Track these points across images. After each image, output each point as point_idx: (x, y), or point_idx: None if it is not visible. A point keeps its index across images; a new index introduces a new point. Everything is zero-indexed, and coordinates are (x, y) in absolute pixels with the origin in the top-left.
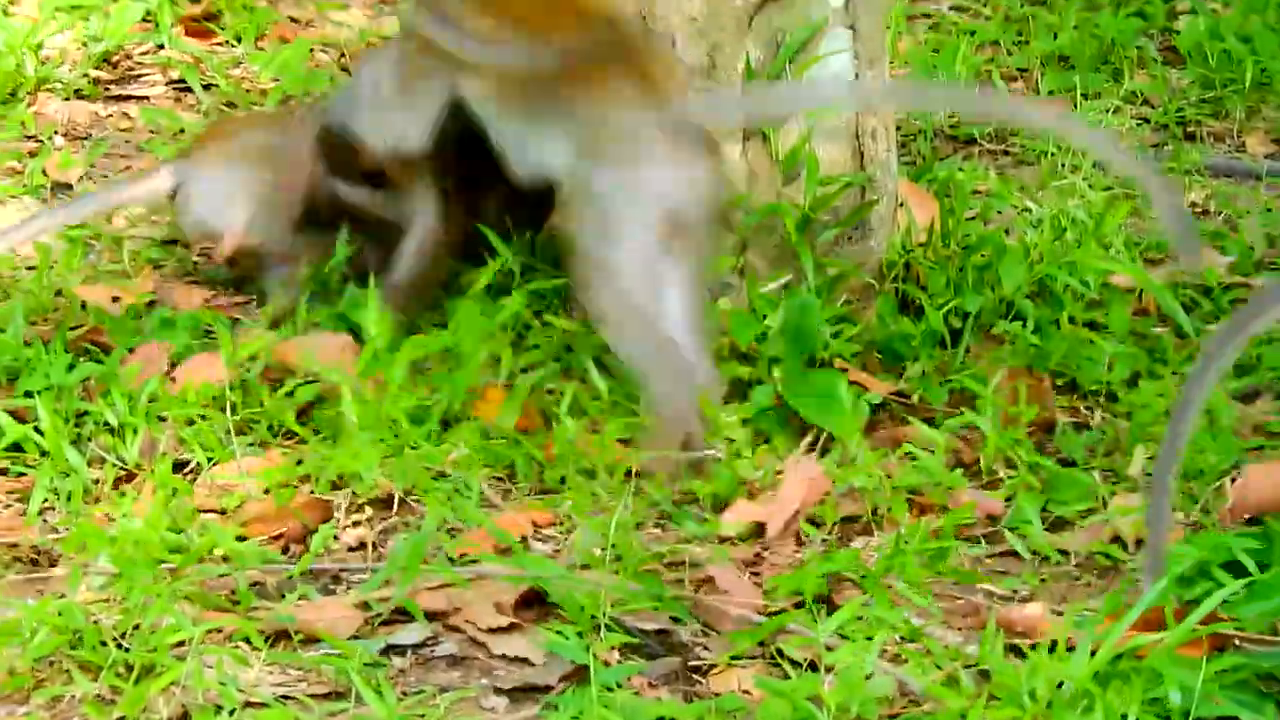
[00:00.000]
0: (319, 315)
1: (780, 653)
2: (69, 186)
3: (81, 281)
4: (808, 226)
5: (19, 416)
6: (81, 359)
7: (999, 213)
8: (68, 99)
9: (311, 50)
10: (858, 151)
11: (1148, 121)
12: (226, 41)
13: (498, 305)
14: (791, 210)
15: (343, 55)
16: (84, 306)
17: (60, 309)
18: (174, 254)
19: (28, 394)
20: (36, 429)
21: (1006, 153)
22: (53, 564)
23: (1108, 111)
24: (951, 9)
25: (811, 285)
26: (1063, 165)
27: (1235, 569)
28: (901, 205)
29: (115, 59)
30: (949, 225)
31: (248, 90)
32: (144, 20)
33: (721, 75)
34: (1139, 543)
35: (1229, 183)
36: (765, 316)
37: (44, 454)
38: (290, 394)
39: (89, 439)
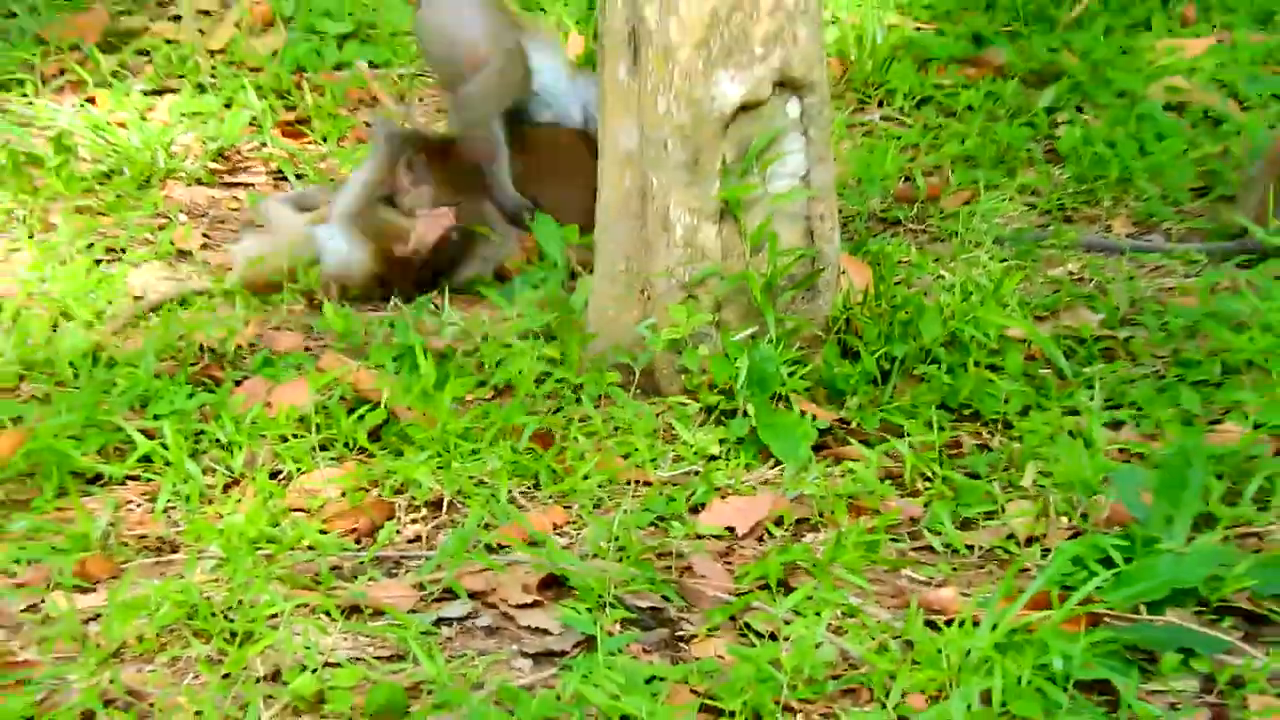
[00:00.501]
0: (381, 354)
1: (748, 626)
2: (189, 253)
3: (200, 328)
4: (770, 290)
5: (149, 434)
6: (198, 389)
7: (919, 279)
8: (190, 185)
9: None
10: (808, 231)
11: (1034, 208)
12: (315, 141)
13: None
14: (757, 277)
15: None
16: (201, 348)
17: (182, 349)
18: (275, 305)
19: (155, 416)
20: (163, 444)
21: (925, 231)
22: (174, 551)
23: (1004, 200)
24: (882, 119)
25: (773, 336)
26: (969, 242)
27: (1107, 563)
28: (843, 273)
29: (228, 154)
30: (880, 289)
31: (332, 179)
32: (250, 124)
33: (702, 171)
34: (1029, 540)
35: (1099, 256)
36: (735, 359)
37: (168, 464)
38: (361, 418)
39: (204, 453)
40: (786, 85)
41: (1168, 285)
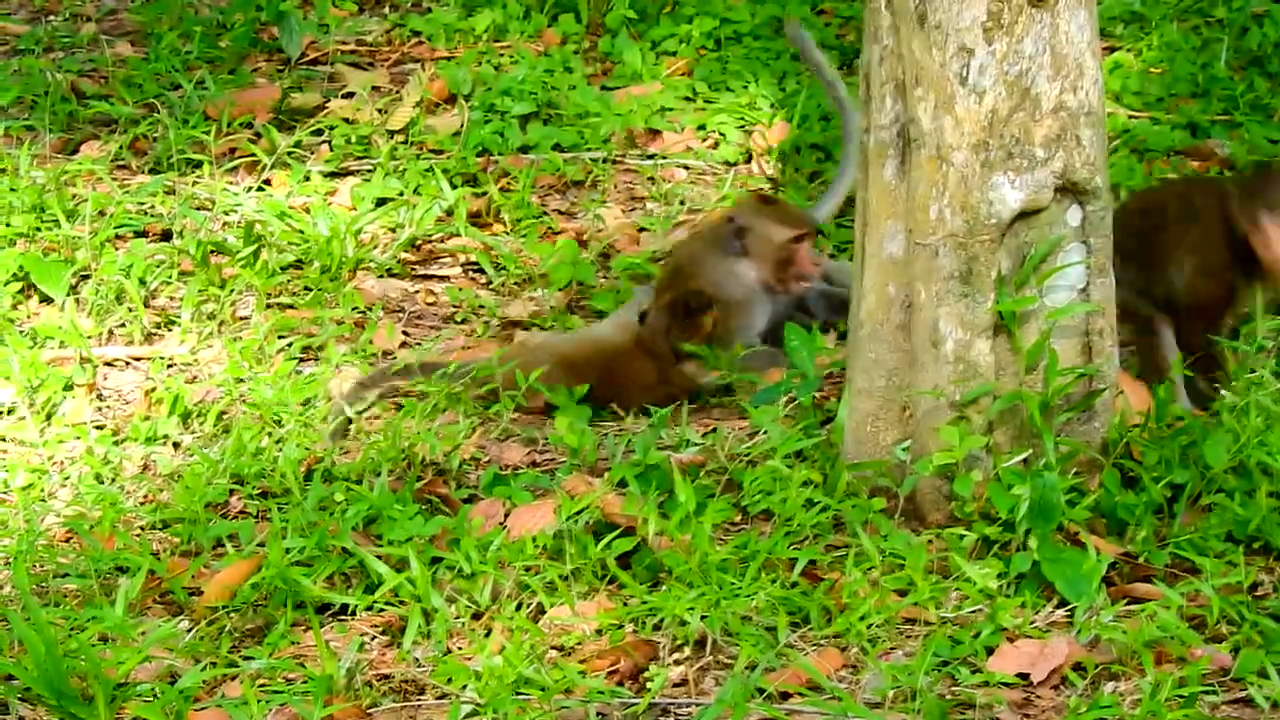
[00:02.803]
0: (626, 470)
1: None
2: (391, 353)
3: (422, 439)
4: (1046, 411)
5: (386, 562)
6: (425, 508)
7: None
8: (381, 277)
9: (581, 242)
10: (1086, 347)
11: None
12: (507, 232)
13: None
14: (1034, 397)
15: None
16: (423, 461)
17: (407, 461)
18: (492, 413)
19: (389, 541)
20: (409, 579)
21: None
22: (420, 693)
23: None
24: None
25: (1052, 462)
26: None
27: None
28: (1120, 393)
29: (419, 243)
30: (1161, 411)
31: (530, 276)
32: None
33: (977, 281)
34: None
35: None
36: (1014, 487)
37: (416, 599)
38: (609, 544)
39: (443, 581)
40: (1068, 191)
41: None
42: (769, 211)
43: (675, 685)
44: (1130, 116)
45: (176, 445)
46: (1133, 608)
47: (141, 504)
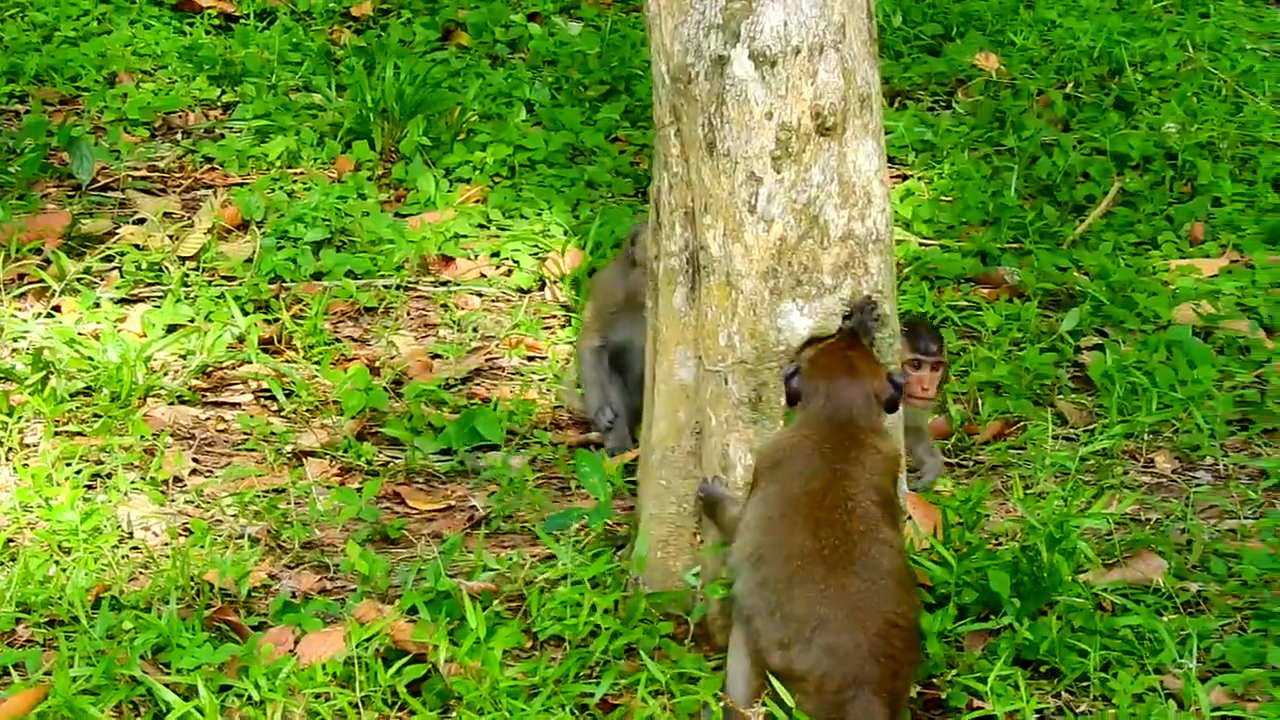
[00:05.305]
0: (417, 597)
1: None
2: (181, 479)
3: (209, 566)
4: None
5: (175, 690)
6: (215, 636)
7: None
8: (172, 404)
9: (374, 369)
10: None
11: (1073, 440)
12: (299, 359)
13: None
14: None
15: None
16: (212, 588)
17: (196, 589)
18: (283, 541)
19: (178, 670)
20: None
21: (962, 465)
22: None
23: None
24: None
25: None
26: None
27: None
28: (909, 517)
29: (209, 370)
30: (948, 533)
31: (323, 402)
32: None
33: (766, 408)
34: None
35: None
36: None
37: None
38: (399, 671)
39: (232, 708)
40: None
41: (1228, 527)
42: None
43: None
44: (921, 244)
45: None
46: None
47: None
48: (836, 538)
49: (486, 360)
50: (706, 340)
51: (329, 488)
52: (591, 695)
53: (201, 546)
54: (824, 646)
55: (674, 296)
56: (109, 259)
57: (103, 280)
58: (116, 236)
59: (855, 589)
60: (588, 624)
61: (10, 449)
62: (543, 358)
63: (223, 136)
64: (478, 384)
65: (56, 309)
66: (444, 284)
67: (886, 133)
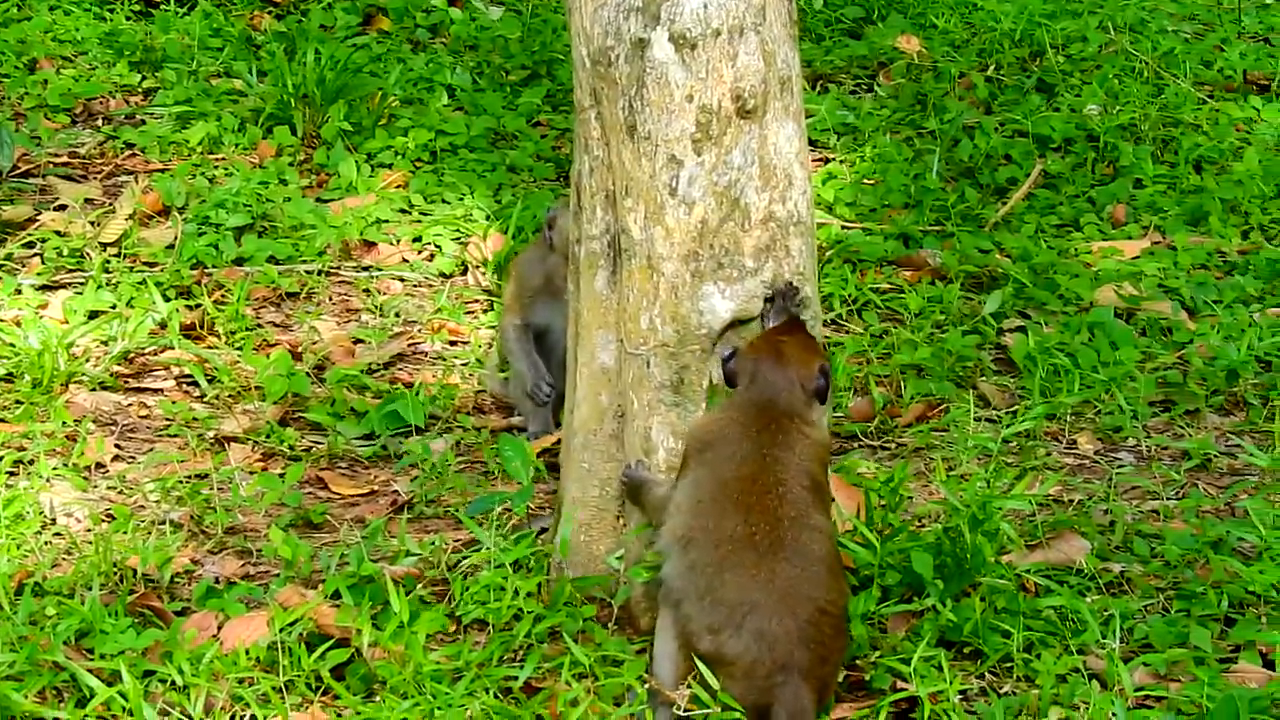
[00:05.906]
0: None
1: None
2: (103, 465)
3: (132, 552)
4: None
5: (98, 676)
6: (138, 621)
7: (904, 501)
8: (94, 390)
9: (296, 354)
10: None
11: (995, 421)
12: (221, 344)
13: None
14: None
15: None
16: (134, 574)
17: (119, 574)
18: (205, 526)
19: (101, 655)
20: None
21: (884, 448)
22: None
23: (961, 411)
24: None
25: None
26: (946, 461)
27: None
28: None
29: (131, 356)
30: (870, 515)
31: (245, 388)
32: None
33: (688, 390)
34: None
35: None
36: None
37: (129, 712)
38: (323, 655)
39: (155, 694)
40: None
41: (1150, 508)
42: None
43: None
44: (844, 226)
45: None
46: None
47: None
48: (767, 523)
49: (409, 345)
50: (628, 323)
51: (251, 473)
52: (515, 679)
53: (124, 532)
54: (754, 632)
55: (595, 280)
56: (30, 245)
57: (24, 267)
58: (37, 223)
59: (786, 575)
60: (511, 608)
61: None
62: (465, 342)
63: (144, 122)
64: (400, 369)
65: None
66: (366, 269)
67: (808, 116)
